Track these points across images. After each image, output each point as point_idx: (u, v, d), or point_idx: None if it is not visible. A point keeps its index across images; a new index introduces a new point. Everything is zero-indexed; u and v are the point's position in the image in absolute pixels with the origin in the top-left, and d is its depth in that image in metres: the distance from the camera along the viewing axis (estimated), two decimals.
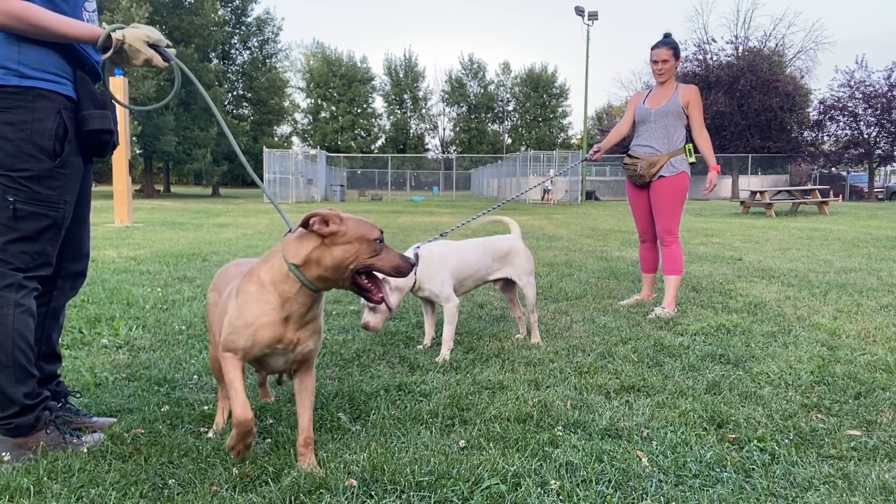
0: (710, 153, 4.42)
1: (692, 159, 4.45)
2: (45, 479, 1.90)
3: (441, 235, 3.58)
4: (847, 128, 33.32)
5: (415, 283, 3.25)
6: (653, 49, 4.47)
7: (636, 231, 4.86)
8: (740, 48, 34.94)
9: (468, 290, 3.58)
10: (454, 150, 67.41)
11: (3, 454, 2.05)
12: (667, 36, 4.53)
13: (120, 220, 12.46)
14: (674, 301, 4.37)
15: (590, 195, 33.33)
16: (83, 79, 2.08)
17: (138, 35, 2.07)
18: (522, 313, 3.75)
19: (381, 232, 1.90)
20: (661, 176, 4.42)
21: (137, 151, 34.93)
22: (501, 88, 68.91)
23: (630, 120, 4.64)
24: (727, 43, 37.52)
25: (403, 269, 1.91)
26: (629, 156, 4.60)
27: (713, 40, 37.17)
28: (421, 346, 3.49)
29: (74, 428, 2.28)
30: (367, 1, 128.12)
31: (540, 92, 67.44)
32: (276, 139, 53.21)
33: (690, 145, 4.47)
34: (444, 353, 3.29)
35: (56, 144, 2.02)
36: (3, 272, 2.02)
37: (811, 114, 34.56)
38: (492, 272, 3.55)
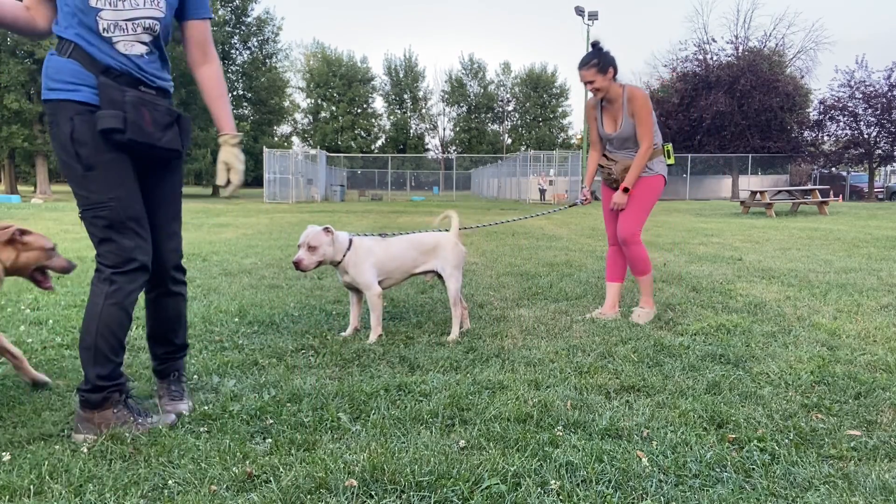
0: (635, 169, 4.06)
1: (671, 161, 4.27)
2: (46, 478, 1.90)
3: (381, 236, 3.83)
4: (847, 128, 33.33)
5: (341, 261, 3.55)
6: (578, 69, 4.06)
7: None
8: (740, 48, 34.97)
9: (397, 282, 3.84)
10: (454, 150, 67.45)
11: (4, 454, 2.06)
12: (594, 45, 4.05)
13: None
14: (651, 298, 4.26)
15: None
16: (105, 83, 2.14)
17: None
18: (465, 307, 3.89)
19: None
20: None
21: None
22: (501, 88, 68.96)
23: (598, 141, 4.37)
24: (727, 43, 37.62)
25: None
26: (605, 157, 4.34)
27: (713, 40, 37.28)
28: (344, 334, 3.69)
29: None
30: (367, 1, 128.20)
31: (540, 92, 67.51)
32: (276, 139, 53.25)
33: (670, 146, 4.28)
34: (372, 338, 3.56)
35: (77, 149, 2.13)
36: (99, 268, 2.24)
37: (811, 114, 34.57)
38: (419, 265, 3.79)
